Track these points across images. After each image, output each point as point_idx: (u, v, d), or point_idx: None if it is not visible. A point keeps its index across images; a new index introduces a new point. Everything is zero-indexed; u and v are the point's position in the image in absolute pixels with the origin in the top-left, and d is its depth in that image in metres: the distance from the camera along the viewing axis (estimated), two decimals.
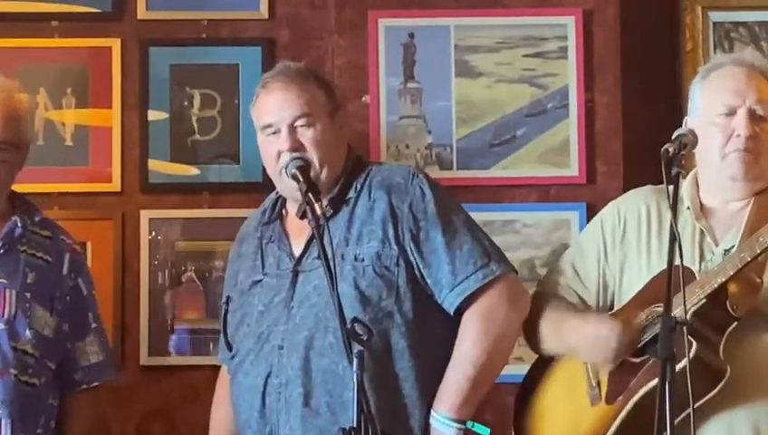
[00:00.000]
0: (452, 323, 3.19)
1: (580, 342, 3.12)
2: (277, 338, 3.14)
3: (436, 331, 3.18)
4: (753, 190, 3.05)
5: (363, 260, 3.14)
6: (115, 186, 3.96)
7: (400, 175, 3.24)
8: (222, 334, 3.36)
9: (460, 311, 3.17)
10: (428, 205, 3.18)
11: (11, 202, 3.28)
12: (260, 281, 3.23)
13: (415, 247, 3.16)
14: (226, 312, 3.31)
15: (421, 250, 3.16)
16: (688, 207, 3.10)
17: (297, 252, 3.21)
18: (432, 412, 3.12)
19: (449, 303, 3.15)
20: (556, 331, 3.19)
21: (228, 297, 3.32)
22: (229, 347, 3.28)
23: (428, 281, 3.16)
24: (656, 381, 2.60)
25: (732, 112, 3.01)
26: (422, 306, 3.16)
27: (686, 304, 2.67)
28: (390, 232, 3.16)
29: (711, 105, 3.03)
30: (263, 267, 3.23)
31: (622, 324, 3.04)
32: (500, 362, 3.17)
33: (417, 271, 3.16)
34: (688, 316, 2.79)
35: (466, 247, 3.16)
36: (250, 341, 3.20)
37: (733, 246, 2.99)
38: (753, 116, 3.00)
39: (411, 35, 3.98)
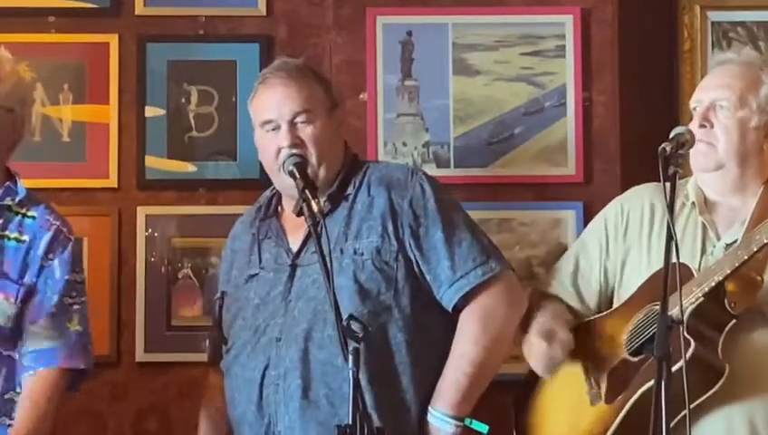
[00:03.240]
0: (449, 320, 3.19)
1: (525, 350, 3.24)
2: (274, 330, 3.15)
3: (433, 327, 3.18)
4: (737, 176, 3.06)
5: (363, 254, 3.15)
6: (112, 182, 3.95)
7: (400, 172, 3.26)
8: (215, 330, 3.35)
9: (458, 308, 3.17)
10: (428, 202, 3.19)
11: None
12: (256, 275, 3.24)
13: (414, 243, 3.16)
14: (221, 307, 3.32)
15: (421, 246, 3.16)
16: (693, 202, 3.11)
17: (294, 247, 3.22)
18: (430, 409, 3.12)
19: (448, 299, 3.16)
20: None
21: (223, 292, 3.33)
22: (225, 341, 3.28)
23: (427, 277, 3.17)
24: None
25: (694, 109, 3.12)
26: (420, 302, 3.17)
27: (682, 303, 2.67)
28: (390, 227, 3.17)
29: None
30: (259, 262, 3.24)
31: (553, 341, 3.16)
32: (498, 360, 3.18)
33: (416, 266, 3.17)
34: (686, 314, 2.80)
35: (465, 244, 3.17)
36: (246, 334, 3.20)
37: (736, 241, 3.00)
38: (712, 107, 3.07)
39: (409, 33, 3.98)
